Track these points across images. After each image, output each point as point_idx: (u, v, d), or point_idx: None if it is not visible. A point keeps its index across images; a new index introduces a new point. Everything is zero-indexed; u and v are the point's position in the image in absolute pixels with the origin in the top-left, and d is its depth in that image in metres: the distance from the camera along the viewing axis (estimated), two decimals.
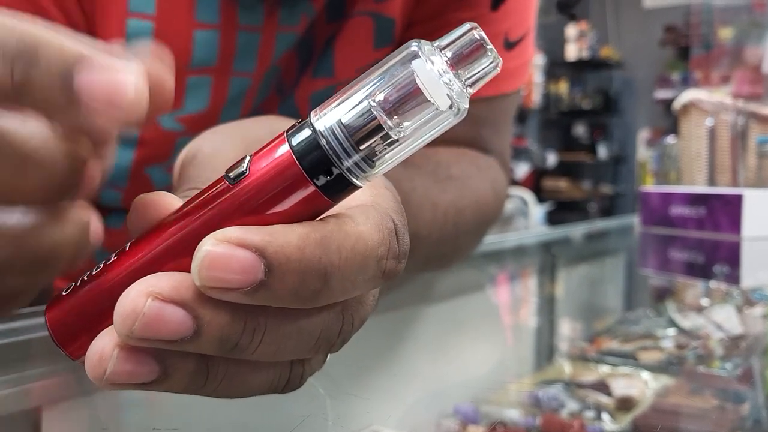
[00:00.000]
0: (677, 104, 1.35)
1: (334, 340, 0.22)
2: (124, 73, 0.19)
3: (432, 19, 0.53)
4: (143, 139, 0.49)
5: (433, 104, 0.18)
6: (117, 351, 0.19)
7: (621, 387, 0.41)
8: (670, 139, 1.47)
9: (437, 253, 0.49)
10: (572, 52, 5.57)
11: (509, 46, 0.55)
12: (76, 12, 0.44)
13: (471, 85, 0.19)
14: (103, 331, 0.20)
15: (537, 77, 5.24)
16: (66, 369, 0.31)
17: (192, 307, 0.18)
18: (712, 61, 3.69)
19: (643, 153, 4.93)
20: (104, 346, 0.19)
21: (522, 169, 5.04)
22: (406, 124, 0.19)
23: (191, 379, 0.20)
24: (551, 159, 5.58)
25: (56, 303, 0.22)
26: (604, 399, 0.40)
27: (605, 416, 0.38)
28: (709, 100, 1.30)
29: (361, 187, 0.20)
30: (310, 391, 0.24)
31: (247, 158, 0.20)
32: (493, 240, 0.85)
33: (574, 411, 0.38)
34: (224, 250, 0.18)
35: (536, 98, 5.29)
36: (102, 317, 0.20)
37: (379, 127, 0.18)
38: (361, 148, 0.19)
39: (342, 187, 0.19)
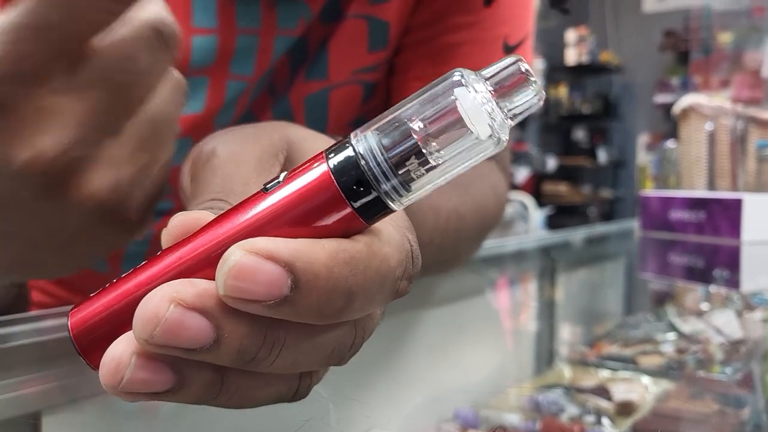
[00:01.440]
0: (677, 109, 1.35)
1: (345, 354, 0.22)
2: None
3: (430, 23, 0.54)
4: None
5: (473, 133, 0.18)
6: (134, 358, 0.19)
7: (621, 391, 0.41)
8: (670, 144, 1.47)
9: (438, 258, 0.49)
10: (572, 56, 5.58)
11: (508, 50, 0.55)
12: None
13: (513, 117, 0.19)
14: (120, 338, 0.19)
15: None
16: (66, 373, 0.31)
17: (214, 316, 0.18)
18: (712, 65, 3.70)
19: (643, 157, 4.92)
20: (122, 353, 0.19)
21: (522, 174, 5.04)
22: (445, 151, 0.19)
23: (205, 390, 0.20)
24: (551, 163, 5.59)
25: (80, 308, 0.21)
26: (604, 403, 0.40)
27: (605, 421, 0.38)
28: (708, 105, 1.30)
29: (396, 210, 0.19)
30: (311, 395, 0.24)
31: (284, 174, 0.20)
32: (493, 244, 0.85)
33: (574, 415, 0.38)
34: (252, 261, 0.18)
35: None
36: (126, 326, 0.19)
37: (419, 152, 0.18)
38: (400, 172, 0.19)
39: (378, 209, 0.19)
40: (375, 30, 0.51)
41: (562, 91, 5.70)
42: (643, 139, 5.34)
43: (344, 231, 0.19)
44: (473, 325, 0.58)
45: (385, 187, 0.19)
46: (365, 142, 0.19)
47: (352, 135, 0.19)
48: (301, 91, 0.52)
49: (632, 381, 0.44)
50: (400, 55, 0.54)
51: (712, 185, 1.27)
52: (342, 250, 0.19)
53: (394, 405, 0.36)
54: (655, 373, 0.45)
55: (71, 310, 0.22)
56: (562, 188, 5.50)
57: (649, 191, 1.28)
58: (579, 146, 5.78)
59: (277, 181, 0.19)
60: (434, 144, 0.19)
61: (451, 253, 0.50)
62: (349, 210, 0.19)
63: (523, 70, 0.19)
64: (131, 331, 0.19)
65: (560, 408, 0.38)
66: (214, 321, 0.18)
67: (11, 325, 0.32)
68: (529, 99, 0.19)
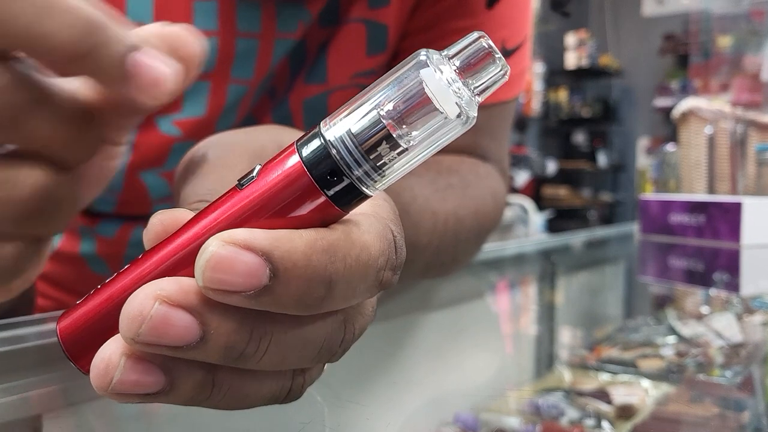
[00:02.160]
0: (676, 112, 1.35)
1: (336, 350, 0.22)
2: (168, 66, 0.22)
3: (429, 28, 0.54)
4: (138, 143, 0.49)
5: (442, 113, 0.18)
6: (124, 359, 0.19)
7: (621, 395, 0.41)
8: (670, 147, 1.47)
9: (436, 261, 0.49)
10: (572, 60, 5.59)
11: (506, 54, 0.55)
12: None
13: (479, 94, 0.19)
14: (110, 339, 0.19)
15: (537, 85, 5.25)
16: (66, 377, 0.31)
17: (199, 312, 0.18)
18: (711, 69, 3.71)
19: (643, 161, 4.94)
20: (111, 354, 0.19)
21: (522, 177, 5.05)
22: (415, 132, 0.19)
23: (197, 390, 0.20)
24: (551, 167, 5.59)
25: (68, 314, 0.22)
26: (604, 407, 0.40)
27: (605, 424, 0.38)
28: (708, 108, 1.31)
29: (371, 196, 0.20)
30: (309, 399, 0.24)
31: (257, 168, 0.20)
32: (492, 248, 0.85)
33: (574, 419, 0.38)
34: (230, 252, 0.18)
35: (536, 106, 5.30)
36: (114, 329, 0.19)
37: (389, 136, 0.18)
38: (371, 157, 0.19)
39: (352, 196, 0.19)
40: (374, 34, 0.52)
41: (562, 95, 5.71)
42: (642, 142, 5.35)
43: (322, 220, 0.19)
44: (473, 328, 0.58)
45: (358, 173, 0.19)
46: (334, 130, 0.19)
47: (321, 123, 0.19)
48: (300, 94, 0.52)
49: (632, 384, 0.44)
50: (397, 59, 0.54)
51: (711, 189, 1.27)
52: (320, 238, 0.19)
53: (393, 408, 0.36)
54: (655, 376, 0.45)
55: (59, 316, 0.22)
56: (562, 192, 5.50)
57: (649, 195, 1.28)
58: (579, 150, 5.79)
59: (251, 176, 0.20)
60: (404, 127, 0.19)
61: (449, 255, 0.50)
62: (323, 199, 0.19)
63: (486, 46, 0.19)
64: (119, 333, 0.19)
65: (560, 411, 0.38)
66: (200, 317, 0.18)
67: (11, 328, 0.32)
68: (495, 74, 0.19)
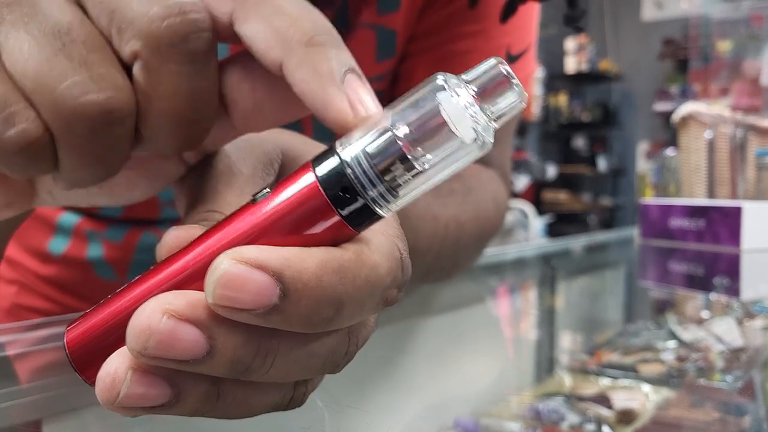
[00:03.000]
0: (676, 117, 1.35)
1: (340, 362, 0.22)
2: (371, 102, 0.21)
3: (436, 32, 0.54)
4: None
5: (458, 137, 0.18)
6: (130, 373, 0.19)
7: (622, 400, 0.41)
8: (670, 152, 1.47)
9: (437, 266, 0.49)
10: (571, 64, 5.60)
11: (511, 59, 0.55)
12: None
13: (496, 120, 0.19)
14: (115, 353, 0.19)
15: (536, 90, 5.26)
16: (66, 382, 0.31)
17: (207, 327, 0.18)
18: (711, 73, 3.71)
19: (643, 165, 4.94)
20: (117, 368, 0.19)
21: (522, 182, 5.05)
22: (430, 155, 0.19)
23: (202, 402, 0.20)
24: (551, 171, 5.59)
25: (75, 325, 0.21)
26: (604, 412, 0.40)
27: (606, 429, 0.38)
28: (707, 113, 1.31)
29: (384, 217, 0.19)
30: (310, 404, 0.24)
31: (272, 184, 0.20)
32: (493, 252, 0.85)
33: (575, 424, 0.38)
34: (241, 270, 0.18)
35: (536, 111, 5.31)
36: (121, 341, 0.19)
37: (404, 158, 0.18)
38: (386, 178, 0.19)
39: (366, 217, 0.19)
40: (382, 39, 0.52)
41: (562, 100, 5.72)
42: (642, 147, 5.35)
43: (333, 239, 0.19)
44: (473, 333, 0.58)
45: (372, 194, 0.19)
46: (350, 150, 0.19)
47: (337, 143, 0.19)
48: None
49: (633, 389, 0.44)
50: (404, 63, 0.55)
51: (711, 193, 1.27)
52: (331, 259, 0.19)
53: (394, 413, 0.36)
54: (656, 381, 0.45)
55: (67, 327, 0.22)
56: (562, 196, 5.50)
57: (649, 199, 1.28)
58: (579, 154, 5.79)
59: (265, 191, 0.20)
60: (419, 149, 0.19)
61: (450, 260, 0.50)
62: (337, 218, 0.19)
63: (504, 72, 0.19)
64: (126, 346, 0.19)
65: (561, 416, 0.38)
66: (207, 332, 0.18)
67: (12, 333, 0.32)
68: (512, 101, 0.19)
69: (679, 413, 0.42)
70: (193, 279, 0.19)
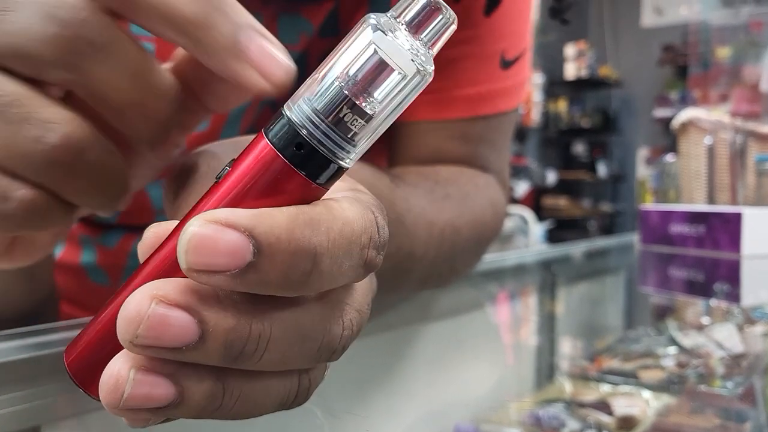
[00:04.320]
0: (676, 123, 1.36)
1: (336, 346, 0.21)
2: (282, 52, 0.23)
3: None
4: None
5: (400, 72, 0.19)
6: (133, 372, 0.19)
7: (622, 406, 0.41)
8: (669, 158, 1.47)
9: (434, 272, 0.49)
10: (571, 71, 5.61)
11: (506, 65, 0.55)
12: None
13: (432, 46, 0.20)
14: (115, 357, 0.19)
15: (536, 96, 5.27)
16: (65, 389, 0.31)
17: (197, 311, 0.18)
18: (710, 79, 3.72)
19: (643, 171, 4.94)
20: (119, 369, 0.19)
21: (522, 188, 5.05)
22: (377, 96, 0.19)
23: (208, 400, 0.20)
24: (551, 177, 5.60)
25: (73, 345, 0.22)
26: (605, 418, 0.40)
27: None
28: (707, 119, 1.31)
29: (349, 167, 0.20)
30: (308, 411, 0.24)
31: (230, 161, 0.20)
32: (492, 258, 0.85)
33: (575, 430, 0.38)
34: (211, 230, 0.17)
35: (535, 117, 5.31)
36: (120, 347, 0.19)
37: (353, 105, 0.19)
38: (339, 128, 0.19)
39: (328, 170, 0.19)
40: None
41: (562, 106, 5.72)
42: (642, 153, 5.35)
43: (302, 199, 0.20)
44: (473, 339, 0.58)
45: (329, 146, 0.19)
46: (298, 110, 0.19)
47: (284, 106, 0.19)
48: None
49: (633, 395, 0.44)
50: None
51: (711, 199, 1.27)
52: (302, 213, 0.19)
53: (393, 419, 0.36)
54: (656, 387, 0.45)
55: (65, 348, 0.22)
56: (561, 202, 5.50)
57: (649, 205, 1.28)
58: (579, 160, 5.79)
59: (225, 168, 0.20)
60: (366, 93, 0.19)
61: (447, 266, 0.50)
62: (299, 177, 0.19)
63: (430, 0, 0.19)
64: (125, 349, 0.19)
65: (561, 423, 0.38)
66: (197, 316, 0.18)
67: (11, 339, 0.32)
68: (442, 24, 0.19)
69: (680, 420, 0.42)
70: (176, 268, 0.19)
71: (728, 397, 0.44)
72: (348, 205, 0.20)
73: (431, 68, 0.19)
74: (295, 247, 0.18)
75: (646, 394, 0.44)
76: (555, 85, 5.62)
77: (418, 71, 0.19)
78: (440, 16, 0.19)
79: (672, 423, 0.41)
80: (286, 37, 0.48)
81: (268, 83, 0.22)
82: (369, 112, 0.19)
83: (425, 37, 0.19)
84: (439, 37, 0.20)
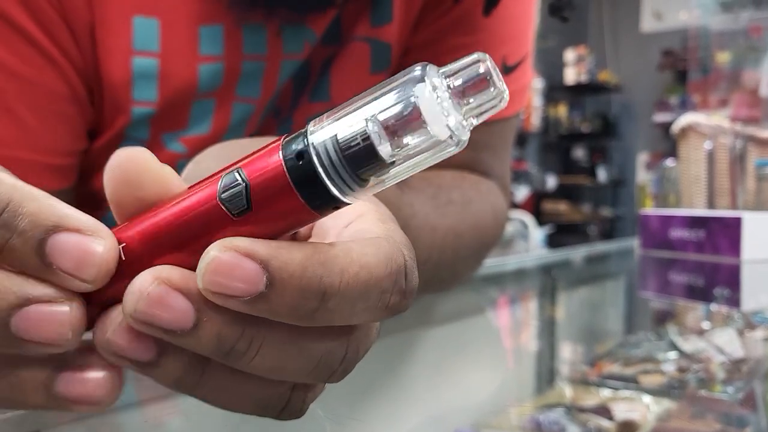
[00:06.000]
0: (676, 128, 1.36)
1: (336, 367, 0.21)
2: (93, 239, 0.20)
3: (430, 44, 0.54)
4: None
5: (431, 133, 0.18)
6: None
7: (622, 411, 0.41)
8: (669, 163, 1.47)
9: (436, 276, 0.49)
10: (571, 76, 5.62)
11: (507, 70, 0.55)
12: (75, 53, 0.45)
13: (475, 117, 0.19)
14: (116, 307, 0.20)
15: (536, 101, 5.27)
16: None
17: (196, 299, 0.19)
18: (710, 84, 3.72)
19: (643, 176, 4.95)
20: (116, 315, 0.20)
21: (522, 192, 5.05)
22: (401, 148, 0.18)
23: (185, 371, 0.20)
24: (551, 182, 5.60)
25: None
26: (605, 423, 0.39)
27: None
28: (707, 124, 1.31)
29: (349, 204, 0.19)
30: (310, 414, 0.24)
31: (239, 168, 0.20)
32: (493, 263, 0.85)
33: None
34: (231, 258, 0.18)
35: (535, 122, 5.32)
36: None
37: (373, 148, 0.18)
38: (353, 166, 0.18)
39: (329, 202, 0.19)
40: (377, 52, 0.52)
41: (562, 111, 5.73)
42: (642, 157, 5.36)
43: (298, 222, 0.20)
44: (474, 344, 0.58)
45: (336, 179, 0.18)
46: (320, 134, 0.19)
47: (311, 124, 0.19)
48: (304, 112, 0.53)
49: (634, 400, 0.44)
50: None
51: (711, 204, 1.27)
52: (318, 252, 0.19)
53: (394, 424, 0.36)
54: (657, 392, 0.45)
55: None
56: (562, 207, 5.50)
57: (649, 210, 1.28)
58: (579, 165, 5.80)
59: (232, 172, 0.20)
60: (391, 140, 0.18)
61: (449, 271, 0.50)
62: (298, 200, 0.19)
63: (483, 70, 0.18)
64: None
65: (561, 428, 0.38)
66: (196, 304, 0.19)
67: None
68: (491, 99, 0.19)
69: (680, 424, 0.41)
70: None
71: (729, 402, 0.44)
72: (372, 249, 0.20)
73: (465, 138, 0.19)
74: (305, 285, 0.19)
75: (647, 398, 0.44)
76: (555, 90, 5.63)
77: (451, 137, 0.18)
78: (490, 90, 0.18)
79: (672, 428, 0.41)
80: (290, 47, 0.48)
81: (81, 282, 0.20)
82: (387, 160, 0.18)
83: (470, 106, 0.19)
84: (483, 113, 0.19)
